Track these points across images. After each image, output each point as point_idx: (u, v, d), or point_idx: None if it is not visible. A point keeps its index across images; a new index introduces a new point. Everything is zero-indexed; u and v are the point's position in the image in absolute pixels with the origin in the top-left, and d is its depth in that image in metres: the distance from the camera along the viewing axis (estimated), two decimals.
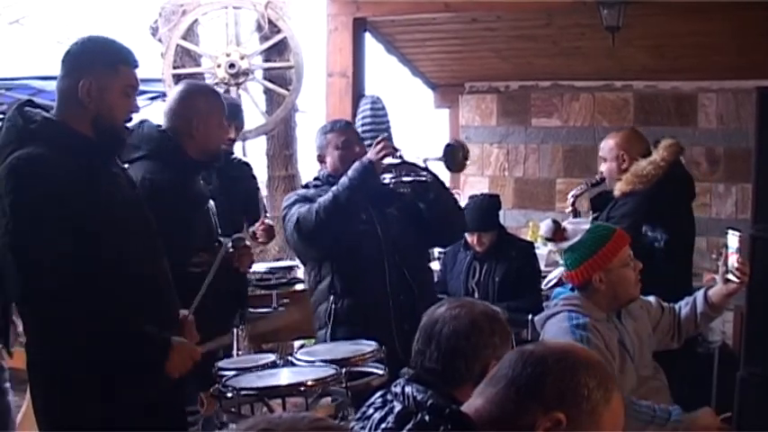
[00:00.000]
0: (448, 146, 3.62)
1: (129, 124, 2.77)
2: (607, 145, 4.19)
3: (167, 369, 2.53)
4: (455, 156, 3.61)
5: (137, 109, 2.75)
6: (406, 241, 3.68)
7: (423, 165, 3.63)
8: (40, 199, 2.42)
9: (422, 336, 2.17)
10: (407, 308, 3.54)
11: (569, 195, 4.30)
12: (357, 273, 3.60)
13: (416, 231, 3.72)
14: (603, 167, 4.20)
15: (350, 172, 3.50)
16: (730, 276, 3.11)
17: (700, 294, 3.20)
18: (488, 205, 4.87)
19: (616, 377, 1.66)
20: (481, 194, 4.90)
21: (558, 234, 3.90)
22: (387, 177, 3.61)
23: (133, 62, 2.68)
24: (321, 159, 3.82)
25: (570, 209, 4.40)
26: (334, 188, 3.50)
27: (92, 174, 2.55)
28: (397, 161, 3.56)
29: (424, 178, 3.59)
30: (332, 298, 3.60)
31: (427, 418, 1.65)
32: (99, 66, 2.60)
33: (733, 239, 3.12)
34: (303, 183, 4.33)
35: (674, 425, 2.80)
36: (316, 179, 3.84)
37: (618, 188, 4.02)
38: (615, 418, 1.56)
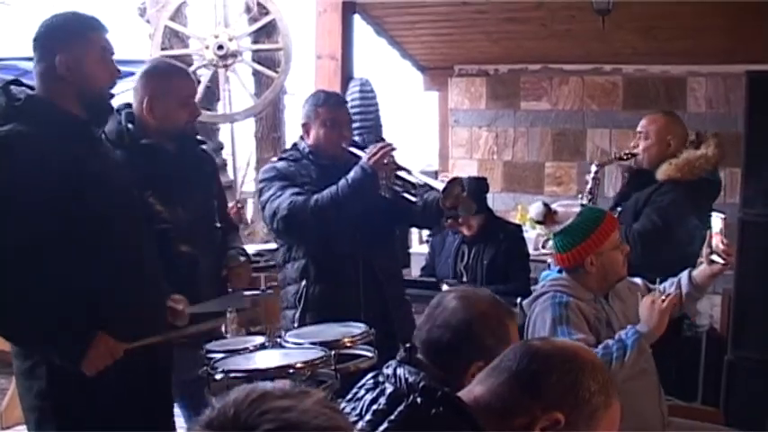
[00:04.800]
0: (449, 182, 3.48)
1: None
2: (654, 124, 4.08)
3: (83, 365, 2.47)
4: (452, 191, 3.48)
5: (118, 73, 2.69)
6: (379, 230, 3.69)
7: (421, 183, 3.55)
8: (17, 178, 2.39)
9: (425, 316, 2.13)
10: (376, 298, 3.61)
11: (592, 166, 4.18)
12: (331, 261, 3.61)
13: (390, 218, 3.73)
14: (642, 144, 4.08)
15: (351, 178, 3.43)
16: (715, 257, 3.12)
17: (684, 275, 3.22)
18: (476, 188, 4.86)
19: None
20: (468, 177, 4.88)
21: (548, 217, 3.87)
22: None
23: (100, 27, 2.65)
24: (306, 129, 3.73)
25: (589, 186, 4.22)
26: (333, 189, 3.44)
27: (77, 152, 2.52)
28: (401, 175, 3.52)
29: (413, 199, 3.57)
30: (304, 282, 3.61)
31: (419, 400, 1.64)
32: (70, 39, 2.58)
33: (717, 221, 3.14)
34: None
35: (635, 346, 2.78)
36: (294, 149, 3.75)
37: (664, 172, 3.93)
38: (612, 424, 1.57)
